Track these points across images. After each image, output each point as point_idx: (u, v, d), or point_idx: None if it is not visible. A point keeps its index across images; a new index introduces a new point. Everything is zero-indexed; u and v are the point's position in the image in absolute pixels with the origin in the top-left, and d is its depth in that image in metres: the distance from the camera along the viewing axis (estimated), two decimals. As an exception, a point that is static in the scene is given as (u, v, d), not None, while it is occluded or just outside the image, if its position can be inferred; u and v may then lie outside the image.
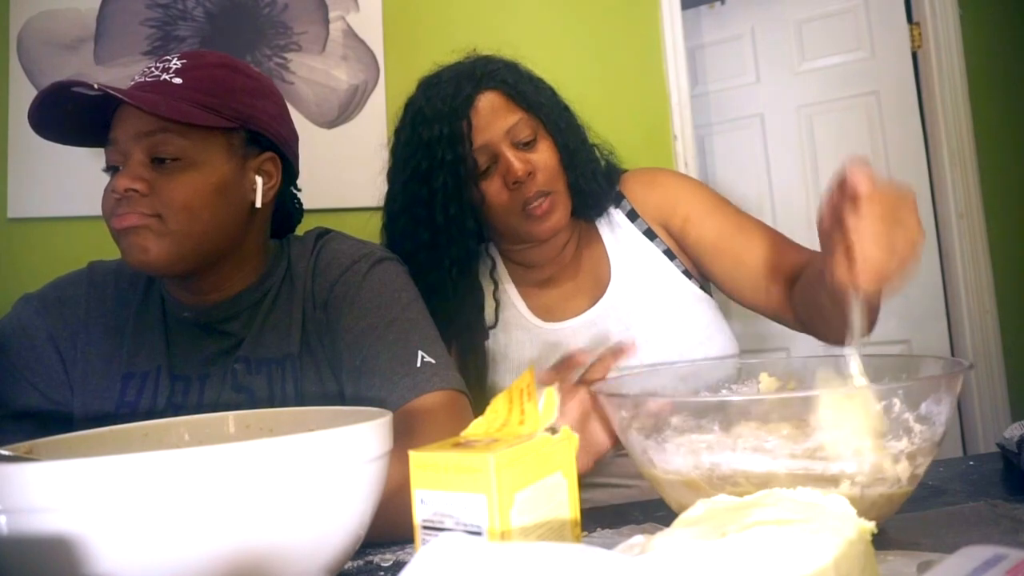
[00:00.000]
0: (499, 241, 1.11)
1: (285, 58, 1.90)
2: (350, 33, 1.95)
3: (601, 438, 0.76)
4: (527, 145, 1.00)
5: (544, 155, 1.01)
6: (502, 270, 1.12)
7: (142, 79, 0.82)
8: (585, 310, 1.07)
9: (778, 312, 1.04)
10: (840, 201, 0.65)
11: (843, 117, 2.61)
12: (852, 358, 0.65)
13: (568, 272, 1.11)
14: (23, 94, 1.74)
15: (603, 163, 1.12)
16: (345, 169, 1.88)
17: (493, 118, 0.99)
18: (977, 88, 2.41)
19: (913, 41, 2.50)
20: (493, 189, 1.00)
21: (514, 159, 0.98)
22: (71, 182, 1.72)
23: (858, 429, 0.55)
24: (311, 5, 1.94)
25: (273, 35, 1.91)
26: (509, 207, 1.00)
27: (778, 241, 1.06)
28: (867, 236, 0.63)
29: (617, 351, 0.81)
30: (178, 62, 0.83)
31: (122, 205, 0.79)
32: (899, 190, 0.65)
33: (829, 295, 0.76)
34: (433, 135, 0.99)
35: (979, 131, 2.40)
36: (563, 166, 1.03)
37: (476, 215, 1.02)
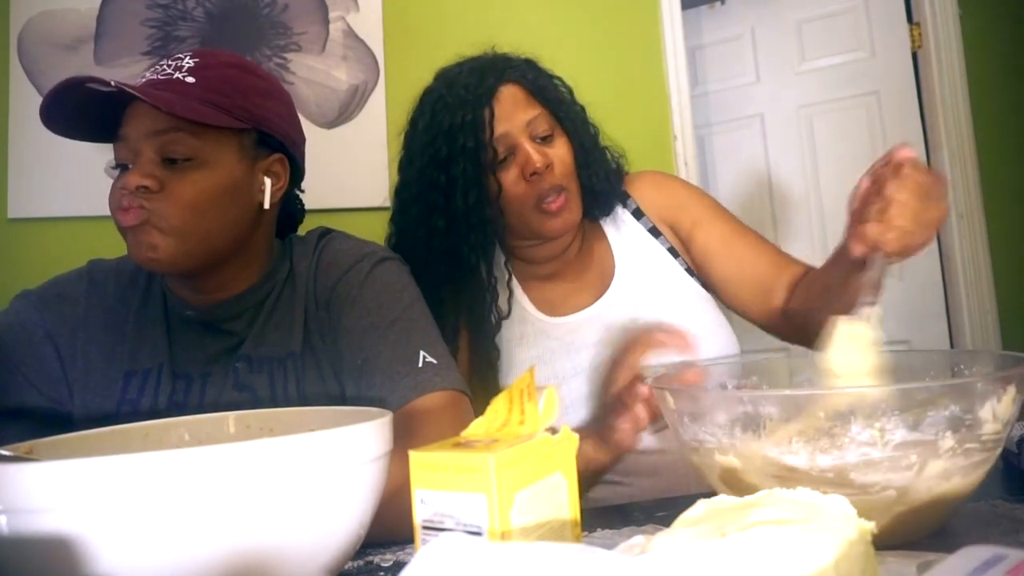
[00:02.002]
0: (506, 236, 1.11)
1: (285, 58, 1.90)
2: (350, 33, 1.95)
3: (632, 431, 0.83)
4: (544, 140, 1.01)
5: (561, 151, 1.01)
6: (506, 266, 1.12)
7: (154, 76, 0.82)
8: (589, 305, 1.08)
9: (770, 321, 1.07)
10: (883, 170, 0.72)
11: (843, 117, 2.61)
12: (873, 309, 0.71)
13: (572, 268, 1.12)
14: (23, 94, 1.74)
15: (614, 165, 1.13)
16: (345, 169, 1.88)
17: (514, 109, 1.00)
18: (977, 88, 2.41)
19: (913, 41, 2.50)
20: (509, 180, 1.00)
21: (532, 150, 0.98)
22: (71, 182, 1.73)
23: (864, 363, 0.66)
24: (311, 5, 1.94)
25: (273, 35, 1.91)
26: (524, 199, 1.00)
27: (780, 254, 1.09)
28: (903, 204, 0.70)
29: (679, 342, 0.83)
30: (190, 60, 0.83)
31: (130, 201, 0.78)
32: (935, 172, 0.73)
33: (842, 268, 0.83)
34: (455, 122, 0.99)
35: (979, 131, 2.40)
36: (577, 165, 1.04)
37: (494, 204, 1.02)
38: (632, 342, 0.89)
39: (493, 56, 1.07)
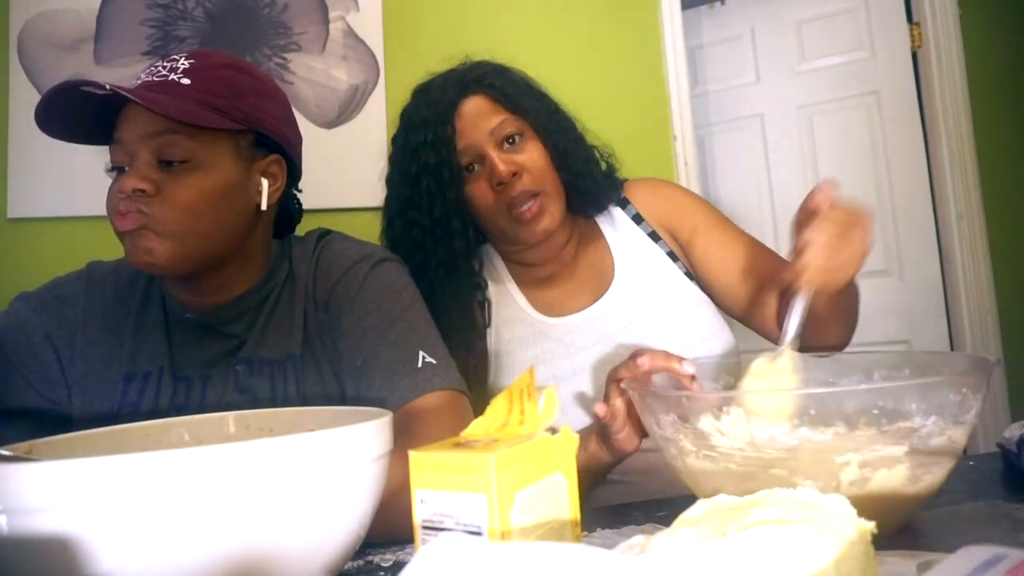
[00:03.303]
0: (497, 242, 1.11)
1: (285, 58, 1.90)
2: (350, 33, 1.95)
3: (633, 439, 0.83)
4: (513, 146, 1.01)
5: (531, 155, 1.01)
6: (502, 269, 1.13)
7: (149, 78, 0.81)
8: (588, 306, 1.08)
9: (769, 330, 1.06)
10: (802, 215, 0.76)
11: (843, 117, 2.61)
12: (786, 346, 0.75)
13: (569, 270, 1.12)
14: (23, 94, 1.74)
15: (603, 164, 1.13)
16: (345, 169, 1.88)
17: (477, 120, 1.01)
18: (977, 88, 2.41)
19: (913, 41, 2.50)
20: (479, 191, 1.01)
21: (498, 160, 0.99)
22: (71, 182, 1.73)
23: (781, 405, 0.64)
24: (311, 5, 1.94)
25: (273, 35, 1.91)
26: (495, 209, 1.01)
27: (777, 262, 1.08)
28: (814, 245, 0.73)
29: (677, 367, 0.78)
30: (185, 62, 0.82)
31: (127, 205, 0.78)
32: (856, 211, 0.75)
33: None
34: (420, 140, 1.01)
35: (979, 131, 2.40)
36: (554, 166, 1.03)
37: (463, 217, 1.03)
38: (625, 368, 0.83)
39: (463, 68, 1.08)
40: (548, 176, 1.02)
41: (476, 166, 1.01)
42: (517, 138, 1.01)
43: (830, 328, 0.92)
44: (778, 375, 0.73)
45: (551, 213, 1.01)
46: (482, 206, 1.01)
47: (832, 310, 0.87)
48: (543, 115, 1.05)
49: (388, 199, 1.10)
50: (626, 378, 0.77)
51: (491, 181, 1.00)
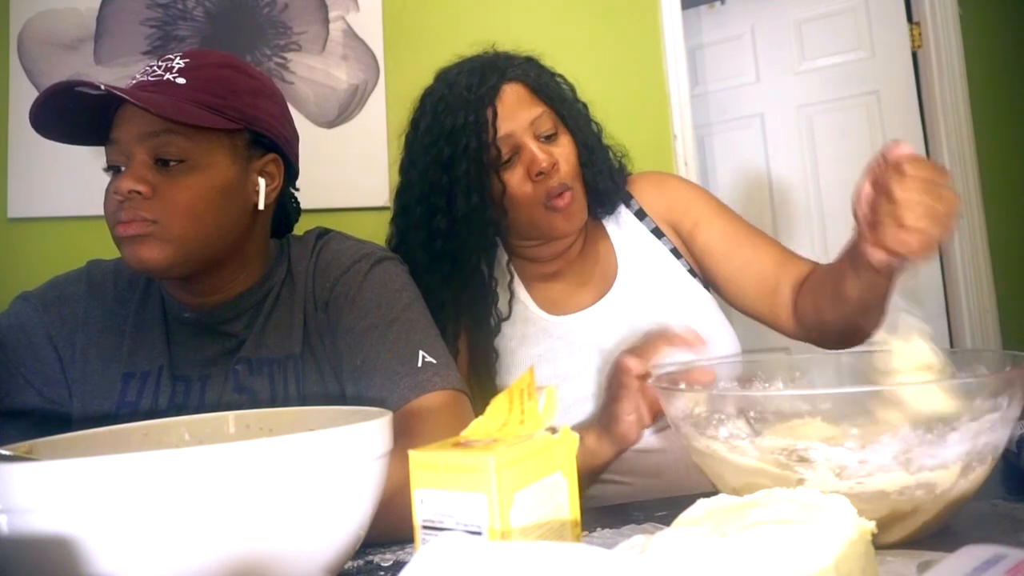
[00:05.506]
0: (508, 235, 1.10)
1: (285, 58, 1.90)
2: (350, 33, 1.95)
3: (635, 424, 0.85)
4: (549, 139, 1.00)
5: (565, 149, 1.01)
6: (506, 265, 1.12)
7: (144, 78, 0.81)
8: (591, 304, 1.07)
9: (779, 319, 1.06)
10: (883, 172, 0.70)
11: (843, 117, 2.61)
12: (913, 317, 0.68)
13: (574, 267, 1.12)
14: (23, 94, 1.74)
15: (616, 164, 1.13)
16: (345, 169, 1.88)
17: (518, 108, 0.99)
18: (977, 88, 2.41)
19: (913, 41, 2.50)
20: (515, 180, 0.99)
21: (538, 150, 0.98)
22: (71, 182, 1.72)
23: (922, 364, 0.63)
24: (311, 5, 1.93)
25: (273, 35, 1.91)
26: (531, 199, 0.99)
27: (783, 251, 1.09)
28: (916, 204, 0.67)
29: (691, 340, 0.85)
30: (181, 61, 0.82)
31: (125, 210, 0.78)
32: (936, 164, 0.70)
33: (863, 274, 0.81)
34: (457, 122, 0.98)
35: (979, 131, 2.40)
36: (581, 163, 1.03)
37: (495, 205, 1.01)
38: (647, 341, 0.88)
39: (494, 55, 1.06)
40: (577, 172, 1.02)
41: (512, 156, 1.00)
42: (553, 132, 1.01)
43: (872, 315, 0.88)
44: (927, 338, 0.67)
45: (579, 207, 1.01)
46: (517, 195, 1.00)
47: (887, 291, 0.84)
48: (574, 111, 1.05)
49: (406, 185, 1.06)
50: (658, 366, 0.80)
51: (529, 171, 0.98)
